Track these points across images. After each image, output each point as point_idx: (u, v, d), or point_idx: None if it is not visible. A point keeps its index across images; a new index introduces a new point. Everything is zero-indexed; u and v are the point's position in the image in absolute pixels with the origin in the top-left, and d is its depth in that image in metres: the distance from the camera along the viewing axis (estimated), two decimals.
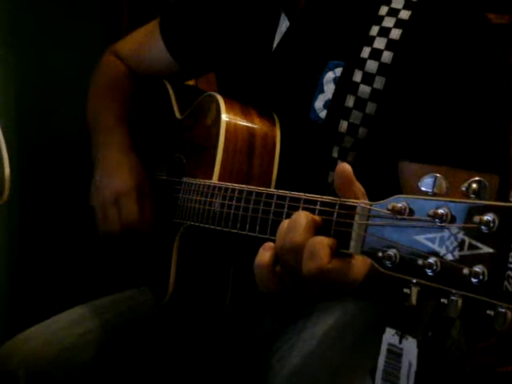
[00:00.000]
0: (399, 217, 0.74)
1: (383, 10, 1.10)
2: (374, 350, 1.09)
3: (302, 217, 0.84)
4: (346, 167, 0.83)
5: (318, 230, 0.83)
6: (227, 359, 1.28)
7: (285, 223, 0.86)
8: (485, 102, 1.05)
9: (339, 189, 0.84)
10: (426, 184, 0.74)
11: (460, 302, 0.69)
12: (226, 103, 1.16)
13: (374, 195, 0.86)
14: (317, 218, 0.85)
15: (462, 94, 1.03)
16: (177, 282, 1.19)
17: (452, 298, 0.69)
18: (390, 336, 0.76)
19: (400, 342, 0.76)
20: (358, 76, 1.09)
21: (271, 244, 0.87)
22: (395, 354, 0.76)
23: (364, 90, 1.08)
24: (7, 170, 1.15)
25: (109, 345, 1.26)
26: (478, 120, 1.04)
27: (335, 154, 1.11)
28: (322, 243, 0.81)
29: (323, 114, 1.12)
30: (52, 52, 1.88)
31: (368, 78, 1.08)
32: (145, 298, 1.31)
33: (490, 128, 1.05)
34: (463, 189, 0.70)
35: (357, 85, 1.09)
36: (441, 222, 0.70)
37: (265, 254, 0.87)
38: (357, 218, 0.79)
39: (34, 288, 1.88)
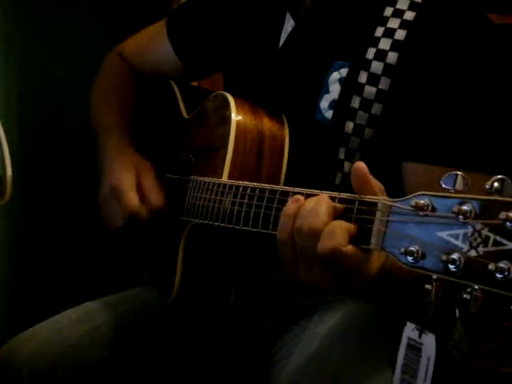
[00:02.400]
0: (421, 213, 0.75)
1: (388, 11, 1.11)
2: (379, 351, 1.10)
3: (324, 202, 0.85)
4: (360, 165, 0.84)
5: (338, 217, 0.84)
6: (230, 358, 1.28)
7: (306, 206, 0.86)
8: (490, 102, 1.05)
9: (356, 187, 0.85)
10: (447, 182, 0.75)
11: (482, 297, 0.70)
12: (236, 102, 1.17)
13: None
14: (338, 205, 0.86)
15: (466, 94, 1.04)
16: (182, 280, 1.19)
17: (474, 293, 0.70)
18: (409, 330, 0.76)
19: (420, 336, 0.76)
20: (363, 77, 1.10)
21: (300, 197, 0.89)
22: (414, 349, 0.76)
23: (369, 90, 1.09)
24: (9, 170, 1.15)
25: (113, 343, 1.26)
26: (483, 120, 1.05)
27: (341, 155, 1.12)
28: (341, 226, 0.82)
29: (329, 114, 1.13)
30: (53, 52, 1.87)
31: (373, 79, 1.09)
32: (150, 296, 1.31)
33: (496, 128, 1.05)
34: (487, 187, 0.71)
35: (362, 86, 1.10)
36: (465, 219, 0.71)
37: (292, 206, 0.88)
38: (378, 214, 0.80)
39: (37, 287, 1.87)
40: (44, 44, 1.87)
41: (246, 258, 1.20)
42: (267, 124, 1.16)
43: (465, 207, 0.71)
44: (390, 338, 0.91)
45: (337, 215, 0.85)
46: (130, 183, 1.27)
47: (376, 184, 0.85)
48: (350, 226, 0.83)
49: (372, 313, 1.17)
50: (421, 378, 0.75)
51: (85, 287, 1.63)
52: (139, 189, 1.27)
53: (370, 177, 0.85)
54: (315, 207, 0.85)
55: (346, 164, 1.12)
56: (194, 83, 1.64)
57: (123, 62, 1.52)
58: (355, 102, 1.10)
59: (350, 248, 0.82)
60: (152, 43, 1.48)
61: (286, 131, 1.16)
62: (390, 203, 0.79)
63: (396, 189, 1.07)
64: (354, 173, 0.85)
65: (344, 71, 1.12)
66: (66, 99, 1.78)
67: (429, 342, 0.76)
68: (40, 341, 1.23)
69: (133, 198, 1.26)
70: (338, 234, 0.81)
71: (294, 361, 1.13)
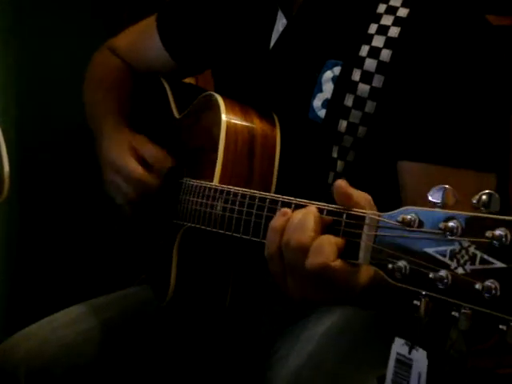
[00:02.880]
0: (409, 228, 0.74)
1: (381, 7, 1.09)
2: (376, 352, 1.10)
3: (311, 216, 0.84)
4: (340, 183, 0.84)
5: (325, 230, 0.83)
6: (227, 360, 1.28)
7: (294, 219, 0.86)
8: (484, 100, 1.04)
9: (341, 204, 0.84)
10: (435, 195, 0.74)
11: (471, 315, 0.69)
12: (225, 103, 1.15)
13: (375, 195, 0.86)
14: (326, 217, 0.85)
15: (460, 92, 1.03)
16: (177, 283, 1.19)
17: (463, 311, 0.69)
18: (399, 346, 0.76)
19: (409, 352, 0.75)
20: (356, 75, 1.08)
21: (288, 210, 0.88)
22: (405, 365, 0.76)
23: (363, 88, 1.08)
24: (7, 167, 1.15)
25: (109, 343, 1.26)
26: (476, 118, 1.03)
27: (335, 154, 1.11)
28: (330, 241, 0.82)
29: (322, 113, 1.12)
30: (52, 50, 1.88)
31: (367, 77, 1.07)
32: (146, 297, 1.31)
33: (489, 126, 1.05)
34: (474, 201, 0.70)
35: (356, 84, 1.08)
36: (451, 235, 0.70)
37: (280, 219, 0.88)
38: (366, 228, 0.79)
39: (34, 285, 1.88)
40: (43, 43, 1.87)
41: (241, 259, 1.19)
42: (258, 124, 1.15)
43: (451, 224, 0.70)
44: (386, 339, 0.91)
45: (324, 228, 0.84)
46: (128, 156, 1.28)
47: (361, 196, 0.84)
48: (338, 241, 0.82)
49: (369, 314, 1.16)
50: None
51: (82, 287, 1.64)
52: (139, 159, 1.28)
53: (353, 190, 0.84)
54: (303, 221, 0.84)
55: (339, 163, 1.11)
56: (192, 80, 1.63)
57: (115, 58, 1.51)
58: (348, 101, 1.09)
59: (338, 263, 0.81)
60: (143, 39, 1.46)
61: (278, 131, 1.15)
62: (378, 218, 0.78)
63: (390, 187, 1.07)
64: (336, 191, 0.84)
65: (337, 70, 1.11)
66: (64, 98, 1.79)
67: (420, 357, 0.75)
68: (37, 340, 1.24)
69: (136, 167, 1.26)
70: (326, 249, 0.81)
71: (291, 361, 1.13)
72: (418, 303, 0.73)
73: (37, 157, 1.88)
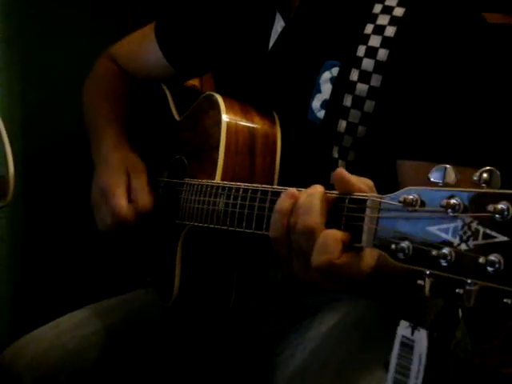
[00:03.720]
0: (411, 209, 0.74)
1: (377, 7, 1.10)
2: (379, 350, 1.10)
3: (317, 198, 0.84)
4: (339, 170, 0.85)
5: (329, 220, 0.83)
6: (232, 360, 1.28)
7: (300, 201, 0.86)
8: (481, 98, 1.05)
9: (342, 192, 0.85)
10: (435, 175, 0.74)
11: (476, 291, 0.69)
12: (225, 103, 1.16)
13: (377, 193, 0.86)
14: (330, 196, 0.85)
15: (458, 89, 1.04)
16: (181, 284, 1.19)
17: (468, 287, 0.69)
18: (403, 328, 0.76)
19: (412, 333, 0.75)
20: (354, 75, 1.09)
21: (295, 192, 0.88)
22: (408, 347, 0.76)
23: (361, 88, 1.08)
24: (11, 170, 1.15)
25: (114, 347, 1.26)
26: (474, 116, 1.04)
27: (335, 154, 1.11)
28: (335, 238, 0.82)
29: (321, 114, 1.12)
30: (56, 53, 1.88)
31: (365, 77, 1.08)
32: (150, 300, 1.31)
33: (487, 124, 1.05)
34: (474, 178, 0.70)
35: (354, 84, 1.09)
36: (453, 212, 0.70)
37: (286, 201, 0.87)
38: (368, 211, 0.79)
39: (39, 289, 1.88)
40: (48, 45, 1.88)
41: (245, 259, 1.19)
42: (258, 123, 1.16)
43: (453, 201, 0.70)
44: (391, 336, 0.90)
45: (330, 207, 0.84)
46: (118, 185, 1.26)
47: (362, 182, 0.85)
48: (343, 235, 0.82)
49: (374, 314, 1.16)
50: (413, 375, 0.74)
51: (86, 290, 1.64)
52: (129, 191, 1.26)
53: (352, 177, 0.85)
54: (308, 202, 0.85)
55: (340, 163, 1.11)
56: (196, 81, 1.64)
57: (114, 65, 1.52)
58: (347, 101, 1.10)
59: (343, 258, 0.82)
60: (141, 47, 1.48)
61: (278, 129, 1.16)
62: (379, 200, 0.78)
63: (391, 186, 1.07)
64: (335, 179, 0.85)
65: (335, 70, 1.12)
66: (69, 99, 1.78)
67: (420, 338, 0.75)
68: (42, 345, 1.24)
69: (120, 200, 1.24)
70: (332, 246, 0.81)
71: (297, 361, 1.13)
72: (423, 283, 0.73)
73: (42, 159, 1.88)
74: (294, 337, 1.18)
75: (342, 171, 0.84)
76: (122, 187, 1.26)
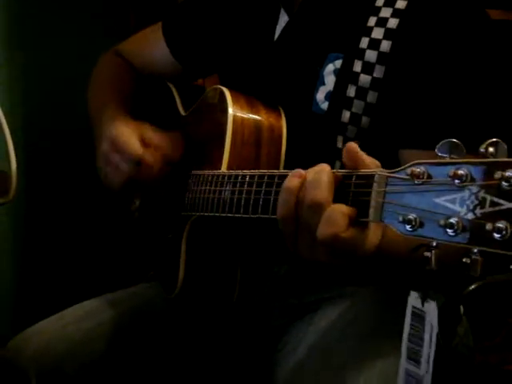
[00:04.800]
0: (417, 181, 0.75)
1: (380, 0, 1.12)
2: (382, 347, 1.10)
3: (325, 173, 0.85)
4: (351, 145, 0.86)
5: (336, 197, 0.84)
6: (235, 353, 1.28)
7: (308, 176, 0.87)
8: (483, 88, 1.06)
9: (350, 167, 0.86)
10: (442, 149, 0.75)
11: (481, 260, 0.70)
12: (231, 95, 1.17)
13: None
14: (338, 174, 0.86)
15: (460, 79, 1.05)
16: (186, 275, 1.19)
17: (474, 257, 0.70)
18: (413, 299, 0.76)
19: (422, 304, 0.76)
20: (357, 66, 1.11)
21: (302, 171, 0.89)
22: (419, 317, 0.76)
23: (364, 79, 1.10)
24: (14, 167, 1.16)
25: (119, 339, 1.26)
26: (476, 106, 1.05)
27: (339, 144, 1.12)
28: (342, 211, 0.82)
29: (325, 106, 1.14)
30: (58, 51, 1.89)
31: (368, 68, 1.10)
32: (155, 293, 1.31)
33: (489, 114, 1.06)
34: (481, 150, 0.71)
35: (357, 75, 1.11)
36: (460, 183, 0.71)
37: (294, 180, 0.88)
38: (375, 186, 0.80)
39: (42, 282, 1.87)
40: (49, 43, 1.89)
41: (249, 253, 1.20)
42: (264, 115, 1.17)
43: (460, 171, 0.71)
44: (393, 332, 0.91)
45: (337, 185, 0.85)
46: (130, 133, 1.23)
47: (371, 161, 0.86)
48: (350, 211, 0.83)
49: (375, 309, 1.17)
50: (426, 345, 0.75)
51: (89, 284, 1.64)
52: (141, 139, 1.23)
53: (363, 155, 0.86)
54: (317, 178, 0.86)
55: None
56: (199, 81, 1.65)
57: (120, 59, 1.53)
58: (351, 91, 1.11)
59: (349, 232, 0.82)
60: (149, 45, 1.49)
61: (283, 121, 1.17)
62: (386, 174, 0.79)
63: None
64: (346, 152, 0.86)
65: (338, 63, 1.13)
66: (73, 97, 1.78)
67: (431, 309, 0.76)
68: (46, 337, 1.24)
69: (135, 144, 1.21)
70: (338, 219, 0.82)
71: (298, 356, 1.13)
72: (429, 255, 0.74)
73: (44, 155, 1.89)
74: (295, 332, 1.18)
75: (355, 146, 0.85)
76: (133, 135, 1.23)
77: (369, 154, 1.10)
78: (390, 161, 1.09)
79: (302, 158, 1.15)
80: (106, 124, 1.29)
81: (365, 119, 1.11)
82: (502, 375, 1.55)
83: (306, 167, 1.12)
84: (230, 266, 1.20)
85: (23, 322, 1.31)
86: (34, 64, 1.86)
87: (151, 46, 1.48)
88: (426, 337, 0.74)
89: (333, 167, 1.12)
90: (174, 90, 1.41)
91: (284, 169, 1.15)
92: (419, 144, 1.06)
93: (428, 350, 0.73)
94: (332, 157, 1.13)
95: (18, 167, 1.16)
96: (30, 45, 1.84)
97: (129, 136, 1.22)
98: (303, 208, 0.86)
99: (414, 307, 0.76)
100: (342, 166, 1.11)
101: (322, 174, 0.86)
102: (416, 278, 0.77)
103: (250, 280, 1.21)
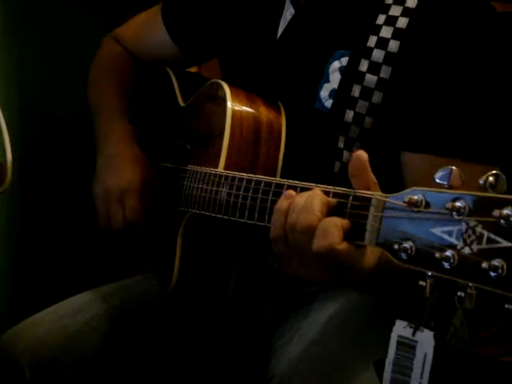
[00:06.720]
0: (415, 209, 0.74)
1: None
2: (379, 339, 1.10)
3: (317, 198, 0.84)
4: (362, 154, 0.83)
5: (331, 213, 0.83)
6: (230, 346, 1.29)
7: (299, 201, 0.86)
8: (490, 93, 1.04)
9: (353, 175, 0.84)
10: (441, 176, 0.74)
11: (476, 294, 0.69)
12: (231, 91, 1.16)
13: (381, 186, 0.85)
14: (331, 199, 0.85)
15: (467, 84, 1.03)
16: (181, 270, 1.19)
17: (469, 291, 0.69)
18: (400, 328, 0.76)
19: (413, 334, 0.75)
20: (364, 65, 1.09)
21: (293, 192, 0.88)
22: (407, 346, 0.76)
23: (370, 79, 1.08)
24: (9, 157, 1.15)
25: (114, 331, 1.26)
26: (483, 111, 1.04)
27: (341, 144, 1.11)
28: (336, 223, 0.81)
29: (329, 103, 1.12)
30: (54, 41, 1.88)
31: (374, 68, 1.08)
32: (150, 285, 1.31)
33: (496, 119, 1.05)
34: (481, 182, 0.70)
35: (363, 74, 1.09)
36: (458, 215, 0.70)
37: (284, 202, 0.88)
38: (372, 209, 0.79)
39: (37, 275, 1.88)
40: (45, 34, 1.87)
41: (245, 246, 1.19)
42: (263, 112, 1.15)
43: (458, 203, 0.70)
44: (389, 326, 0.91)
45: (330, 210, 0.84)
46: (139, 191, 1.29)
47: (371, 177, 0.84)
48: (344, 223, 0.82)
49: (372, 302, 1.16)
50: (416, 375, 0.74)
51: (85, 276, 1.64)
52: (146, 195, 1.30)
53: (369, 168, 0.84)
54: (308, 203, 0.84)
55: (345, 153, 1.11)
56: (194, 69, 1.63)
57: (120, 47, 1.51)
58: (355, 91, 1.09)
59: (344, 245, 0.81)
60: (148, 28, 1.46)
61: (283, 118, 1.16)
62: (384, 199, 0.78)
63: (395, 178, 1.07)
64: (354, 159, 0.84)
65: (344, 60, 1.11)
66: (69, 88, 1.78)
67: (425, 338, 0.75)
68: (41, 330, 1.24)
69: (140, 210, 1.28)
70: (333, 231, 0.81)
71: (293, 348, 1.13)
72: (424, 284, 0.73)
73: (40, 147, 1.88)
74: (290, 324, 1.18)
75: (364, 154, 0.83)
76: (140, 193, 1.29)
77: (370, 155, 1.09)
78: (391, 162, 1.09)
79: (302, 156, 1.14)
80: (113, 151, 1.34)
81: (368, 119, 1.09)
82: (499, 367, 1.57)
83: (305, 166, 1.12)
84: (225, 259, 1.19)
85: (19, 314, 1.31)
86: (30, 55, 1.84)
87: (150, 30, 1.45)
88: (417, 367, 0.74)
89: (332, 168, 1.12)
90: (173, 78, 1.39)
91: (283, 166, 1.13)
92: (421, 147, 1.05)
93: (419, 380, 0.73)
94: (332, 157, 1.12)
95: (13, 158, 1.15)
96: (26, 36, 1.82)
97: (134, 195, 1.29)
98: (294, 232, 0.85)
99: (400, 336, 0.75)
100: (342, 167, 1.12)
101: (314, 198, 0.85)
102: (409, 305, 0.77)
103: (246, 273, 1.21)
